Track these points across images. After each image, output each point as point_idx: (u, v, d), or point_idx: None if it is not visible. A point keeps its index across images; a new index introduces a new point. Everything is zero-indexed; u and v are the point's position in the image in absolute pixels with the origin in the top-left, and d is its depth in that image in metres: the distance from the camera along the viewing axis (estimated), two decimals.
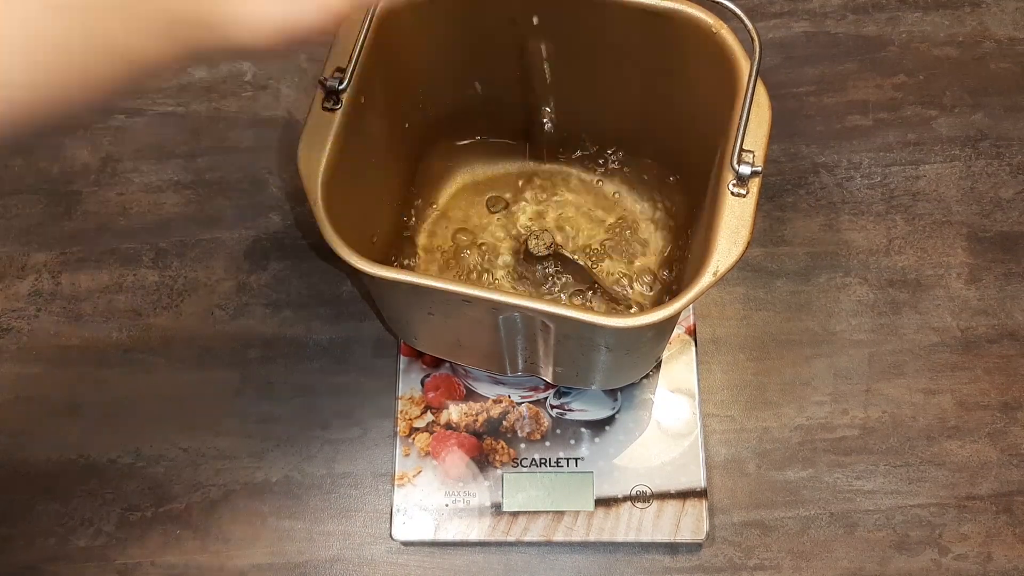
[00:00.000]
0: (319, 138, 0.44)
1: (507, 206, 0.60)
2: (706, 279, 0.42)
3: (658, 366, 0.59)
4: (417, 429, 0.58)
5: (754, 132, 0.43)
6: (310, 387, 0.61)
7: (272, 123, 0.68)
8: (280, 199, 0.66)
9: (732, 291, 0.63)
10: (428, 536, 0.56)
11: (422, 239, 0.60)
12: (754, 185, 0.43)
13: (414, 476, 0.57)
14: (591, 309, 0.57)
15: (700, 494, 0.57)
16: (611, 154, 0.61)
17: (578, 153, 0.61)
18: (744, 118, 0.43)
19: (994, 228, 0.64)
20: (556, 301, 0.57)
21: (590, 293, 0.58)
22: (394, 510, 0.57)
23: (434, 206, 0.61)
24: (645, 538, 0.56)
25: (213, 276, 0.64)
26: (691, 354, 0.60)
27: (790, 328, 0.62)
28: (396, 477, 0.57)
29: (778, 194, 0.65)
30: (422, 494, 0.57)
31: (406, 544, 0.58)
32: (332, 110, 0.44)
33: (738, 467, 0.59)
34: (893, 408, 0.60)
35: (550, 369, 0.53)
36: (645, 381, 0.59)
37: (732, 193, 0.43)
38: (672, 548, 0.57)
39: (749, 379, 0.61)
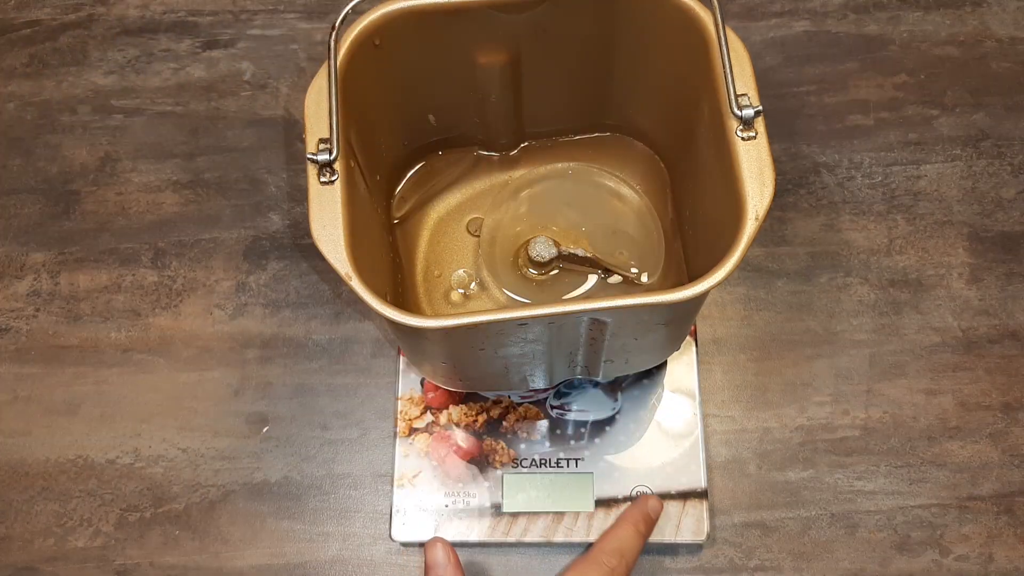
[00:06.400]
0: (328, 214, 0.43)
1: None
2: (750, 225, 0.42)
3: (660, 366, 0.59)
4: (417, 430, 0.58)
5: (740, 76, 0.44)
6: (309, 387, 0.61)
7: (271, 123, 0.68)
8: (279, 199, 0.66)
9: (733, 291, 0.63)
10: (428, 537, 0.56)
11: (419, 286, 0.59)
12: (760, 125, 0.44)
13: (414, 477, 0.57)
14: (637, 292, 0.56)
15: (701, 495, 0.56)
16: (577, 140, 0.61)
17: (542, 145, 0.61)
18: (727, 65, 0.44)
19: (995, 228, 0.64)
20: (611, 295, 0.57)
21: (606, 279, 0.57)
22: (394, 511, 0.57)
23: (419, 248, 0.60)
24: None
25: (212, 276, 0.64)
26: (692, 354, 0.59)
27: (791, 328, 0.62)
28: (395, 478, 0.57)
29: (779, 194, 0.64)
30: (422, 495, 0.57)
31: (406, 545, 0.58)
32: (330, 183, 0.44)
33: (739, 468, 0.59)
34: (894, 409, 0.60)
35: (599, 365, 0.53)
36: (646, 381, 0.59)
37: (742, 139, 0.44)
38: (672, 549, 0.57)
39: (750, 379, 0.61)
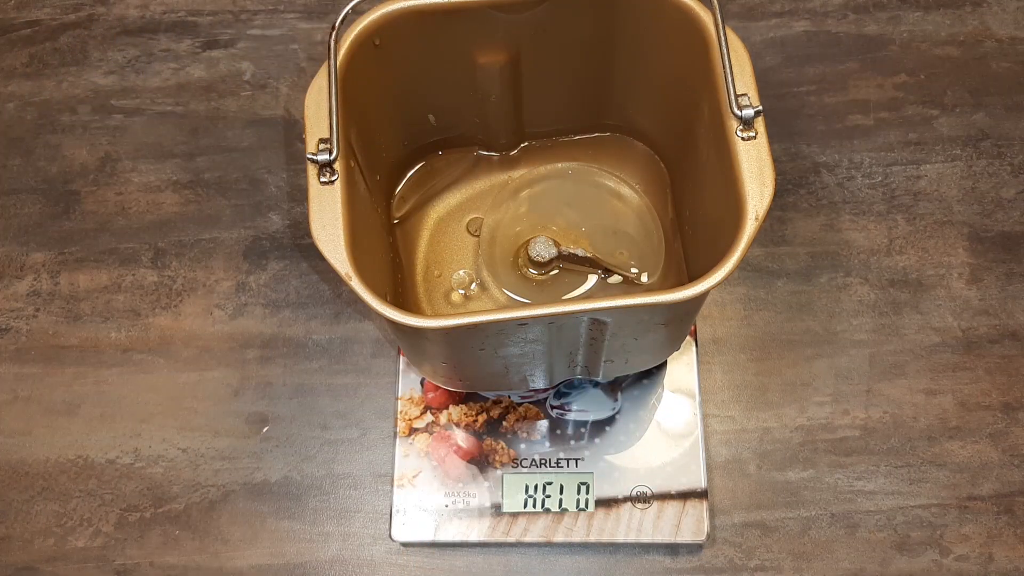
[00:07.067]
0: (328, 214, 0.43)
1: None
2: (750, 225, 0.42)
3: (660, 366, 0.59)
4: (417, 430, 0.58)
5: (740, 76, 0.44)
6: (309, 387, 0.61)
7: (271, 122, 0.68)
8: (279, 199, 0.66)
9: (733, 291, 0.63)
10: (428, 537, 0.56)
11: (419, 286, 0.59)
12: (760, 125, 0.44)
13: (414, 477, 0.57)
14: (637, 292, 0.56)
15: (701, 495, 0.56)
16: (577, 140, 0.61)
17: (542, 145, 0.61)
18: (727, 65, 0.44)
19: (995, 228, 0.64)
20: (611, 295, 0.57)
21: (606, 278, 0.57)
22: (394, 511, 0.57)
23: (419, 248, 0.60)
24: (645, 539, 0.56)
25: (212, 276, 0.64)
26: (692, 354, 0.59)
27: (791, 328, 0.62)
28: (395, 478, 0.57)
29: (779, 194, 0.64)
30: (422, 495, 0.57)
31: (406, 545, 0.58)
32: (330, 183, 0.44)
33: (739, 468, 0.59)
34: (894, 408, 0.60)
35: (599, 365, 0.53)
36: (646, 381, 0.59)
37: (742, 139, 0.44)
38: (672, 549, 0.57)
39: (750, 379, 0.61)
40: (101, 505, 0.59)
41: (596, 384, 0.59)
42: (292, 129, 0.68)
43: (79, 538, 0.58)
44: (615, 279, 0.57)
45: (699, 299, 0.43)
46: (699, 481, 0.57)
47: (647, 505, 0.56)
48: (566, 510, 0.56)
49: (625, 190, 0.59)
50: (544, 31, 0.51)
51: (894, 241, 0.64)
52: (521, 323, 0.43)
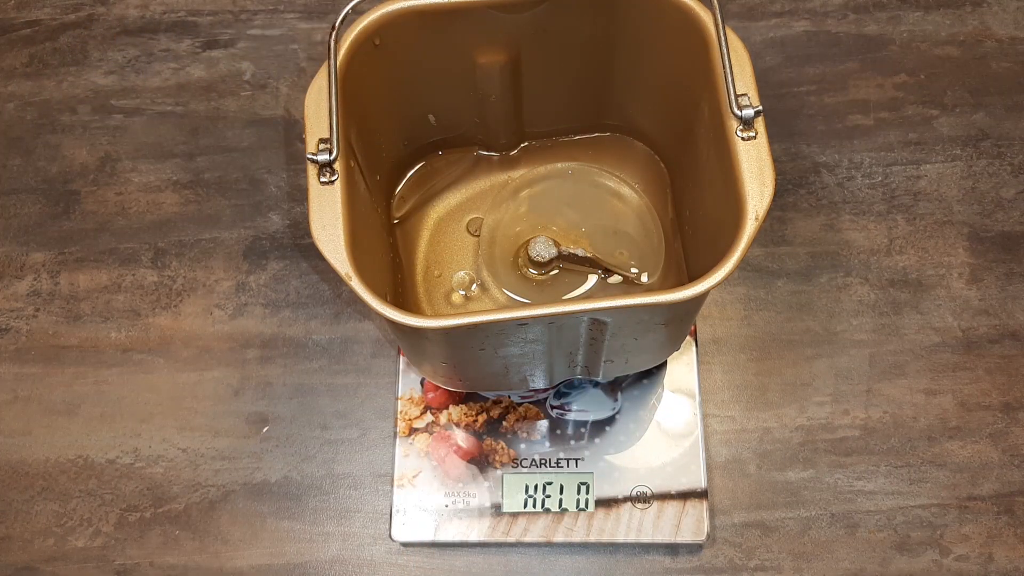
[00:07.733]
0: (328, 214, 0.43)
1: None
2: (750, 225, 0.42)
3: (660, 366, 0.59)
4: (417, 430, 0.58)
5: (739, 76, 0.44)
6: (309, 387, 0.61)
7: (271, 122, 0.68)
8: (279, 199, 0.66)
9: (733, 291, 0.63)
10: (428, 537, 0.56)
11: (419, 286, 0.59)
12: (760, 124, 0.44)
13: (414, 477, 0.57)
14: (637, 292, 0.56)
15: (701, 495, 0.56)
16: (577, 140, 0.61)
17: (542, 145, 0.61)
18: (728, 65, 0.44)
19: (995, 228, 0.64)
20: (611, 295, 0.57)
21: (606, 278, 0.57)
22: (394, 511, 0.57)
23: (419, 248, 0.60)
24: (645, 539, 0.56)
25: (212, 276, 0.64)
26: (692, 354, 0.60)
27: (791, 328, 0.62)
28: (395, 478, 0.57)
29: (779, 194, 0.64)
30: (422, 495, 0.57)
31: (406, 545, 0.58)
32: (330, 183, 0.44)
33: (739, 468, 0.59)
34: (894, 408, 0.60)
35: (599, 365, 0.53)
36: (646, 381, 0.59)
37: (742, 139, 0.44)
38: (672, 549, 0.57)
39: (750, 379, 0.61)
40: (101, 505, 0.59)
41: (596, 384, 0.59)
42: (292, 129, 0.68)
43: (79, 538, 0.58)
44: (615, 279, 0.57)
45: (699, 299, 0.43)
46: (699, 481, 0.57)
47: (647, 505, 0.56)
48: (566, 510, 0.56)
49: (625, 190, 0.59)
50: (544, 31, 0.51)
51: (894, 241, 0.64)
52: (521, 323, 0.43)
